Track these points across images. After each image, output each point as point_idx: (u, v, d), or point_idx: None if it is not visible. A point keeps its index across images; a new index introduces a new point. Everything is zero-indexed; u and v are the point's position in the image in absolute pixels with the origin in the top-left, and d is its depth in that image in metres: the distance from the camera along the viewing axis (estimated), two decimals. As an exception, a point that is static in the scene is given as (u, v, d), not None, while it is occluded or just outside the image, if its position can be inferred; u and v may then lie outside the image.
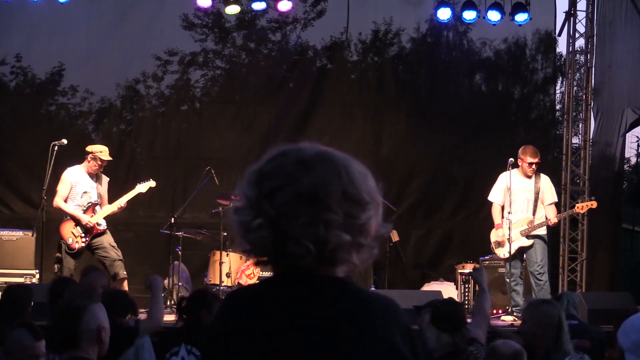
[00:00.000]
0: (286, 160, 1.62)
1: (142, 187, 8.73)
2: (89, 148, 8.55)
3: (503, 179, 8.61)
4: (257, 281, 7.94)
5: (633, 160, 21.64)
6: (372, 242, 1.64)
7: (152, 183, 8.80)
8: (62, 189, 8.38)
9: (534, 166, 8.48)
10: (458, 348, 4.11)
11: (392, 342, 1.60)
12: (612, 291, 10.34)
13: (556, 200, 8.73)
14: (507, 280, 8.60)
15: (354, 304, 1.63)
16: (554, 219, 8.57)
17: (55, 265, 8.19)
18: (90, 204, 8.42)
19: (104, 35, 10.85)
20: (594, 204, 8.80)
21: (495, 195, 8.69)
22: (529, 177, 8.53)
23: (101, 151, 8.52)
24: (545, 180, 8.61)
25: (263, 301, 1.65)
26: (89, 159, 8.44)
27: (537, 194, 8.51)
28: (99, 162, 8.47)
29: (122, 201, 8.56)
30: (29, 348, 3.49)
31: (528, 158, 8.47)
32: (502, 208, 8.61)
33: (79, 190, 8.42)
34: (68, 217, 8.35)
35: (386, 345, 1.60)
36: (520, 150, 8.57)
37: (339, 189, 1.60)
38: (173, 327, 4.90)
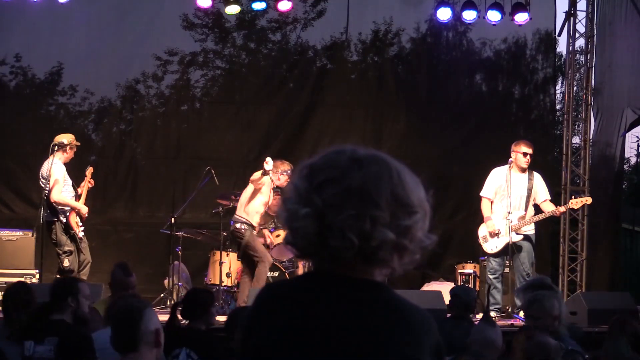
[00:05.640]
0: (340, 157, 1.63)
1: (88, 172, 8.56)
2: (64, 139, 8.28)
3: (495, 175, 8.49)
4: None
5: (633, 160, 21.66)
6: (415, 247, 1.62)
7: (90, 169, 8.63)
8: (60, 182, 8.14)
9: (528, 157, 8.38)
10: None
11: None
12: (612, 291, 10.33)
13: (549, 197, 8.66)
14: (490, 276, 8.39)
15: (388, 313, 1.59)
16: (561, 208, 8.56)
17: (67, 259, 8.04)
18: (74, 194, 8.38)
19: (104, 35, 10.85)
20: (589, 200, 8.76)
21: (487, 190, 8.51)
22: (524, 169, 8.44)
23: (74, 139, 8.40)
24: (538, 178, 8.52)
25: (296, 299, 1.62)
26: (67, 149, 8.26)
27: (529, 190, 8.43)
28: (74, 150, 8.38)
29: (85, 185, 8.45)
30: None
31: (522, 148, 8.38)
32: (492, 203, 8.48)
33: (68, 182, 8.31)
34: (69, 209, 8.25)
35: None
36: (513, 145, 8.48)
37: (388, 189, 1.60)
38: (173, 329, 4.83)
